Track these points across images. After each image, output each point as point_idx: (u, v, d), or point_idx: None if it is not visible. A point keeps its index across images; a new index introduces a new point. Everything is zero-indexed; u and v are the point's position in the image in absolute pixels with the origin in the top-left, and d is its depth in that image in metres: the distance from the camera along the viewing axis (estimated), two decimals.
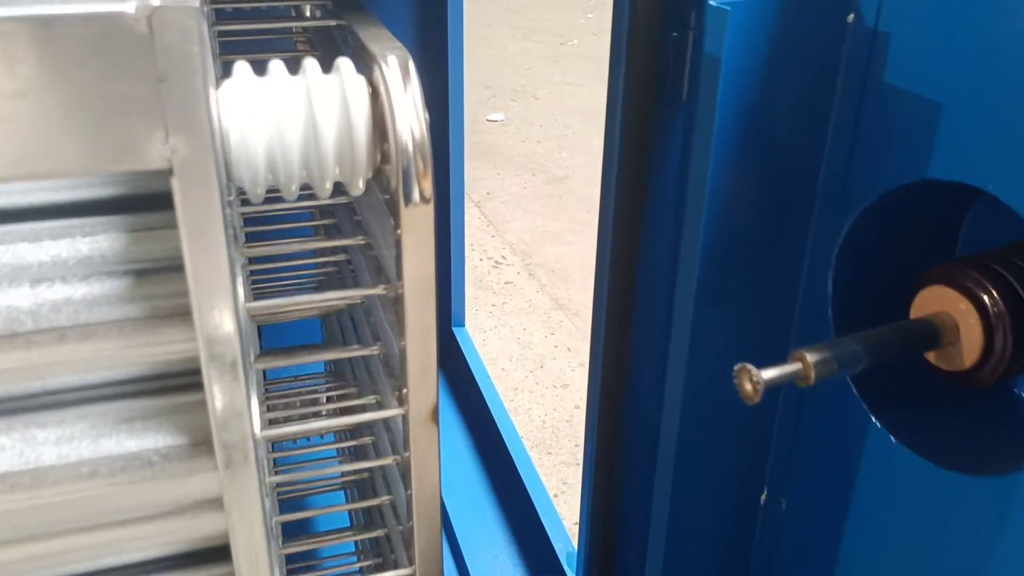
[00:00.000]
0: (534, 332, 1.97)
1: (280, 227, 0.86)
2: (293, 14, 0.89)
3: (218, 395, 0.48)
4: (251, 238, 0.91)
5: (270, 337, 1.36)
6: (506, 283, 2.19)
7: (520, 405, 1.73)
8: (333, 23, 0.64)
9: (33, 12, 0.36)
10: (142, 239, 0.54)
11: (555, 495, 1.55)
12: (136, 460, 0.49)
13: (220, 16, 0.81)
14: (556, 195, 2.67)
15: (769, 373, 0.49)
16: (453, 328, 1.61)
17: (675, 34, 0.66)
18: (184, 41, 0.37)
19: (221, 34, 0.82)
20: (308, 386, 0.99)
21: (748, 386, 0.49)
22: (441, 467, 0.60)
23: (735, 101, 0.53)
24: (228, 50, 0.81)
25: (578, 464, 1.58)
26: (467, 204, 2.48)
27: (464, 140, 1.56)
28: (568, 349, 1.90)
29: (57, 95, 0.37)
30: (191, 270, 0.43)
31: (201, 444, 0.50)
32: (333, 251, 0.80)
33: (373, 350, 0.61)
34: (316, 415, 0.85)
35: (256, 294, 1.02)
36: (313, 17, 0.85)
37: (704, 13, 0.61)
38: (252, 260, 0.98)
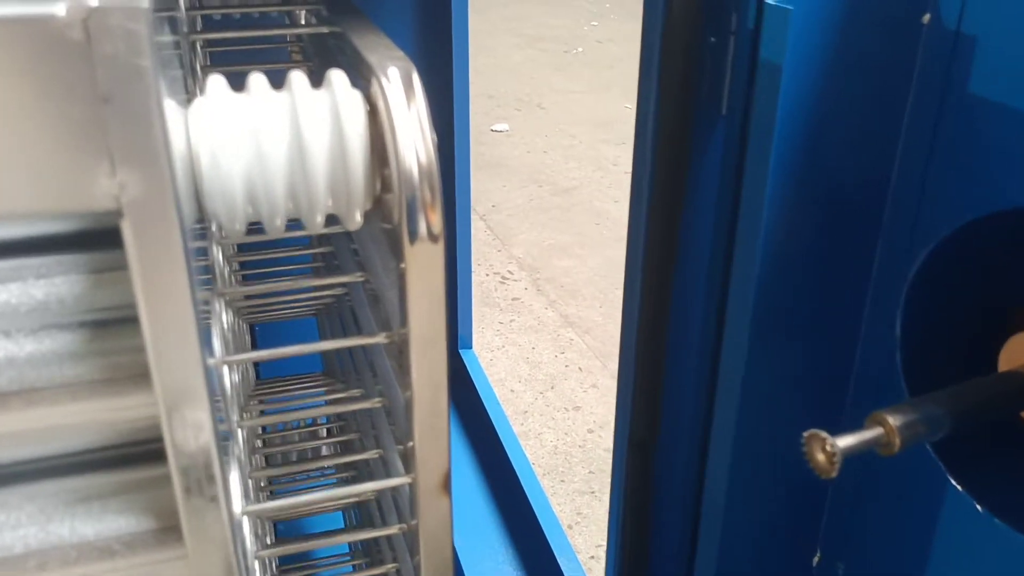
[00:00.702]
0: (543, 351, 1.89)
1: (275, 254, 0.78)
2: (287, 21, 0.82)
3: (185, 472, 0.40)
4: (250, 264, 0.84)
5: (265, 337, 1.28)
6: (513, 299, 2.11)
7: (530, 429, 1.65)
8: (327, 30, 0.56)
9: None
10: (106, 281, 0.46)
11: (569, 526, 1.47)
12: (93, 549, 0.41)
13: (207, 24, 0.74)
14: (563, 207, 2.59)
15: (846, 441, 0.41)
16: (460, 350, 1.54)
17: (713, 39, 0.58)
18: (131, 51, 0.30)
19: (208, 43, 0.75)
20: (309, 422, 0.91)
21: (821, 456, 0.41)
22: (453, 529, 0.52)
23: (796, 115, 0.45)
24: (217, 61, 0.74)
25: (593, 493, 1.50)
26: (472, 217, 2.40)
27: (470, 152, 1.49)
28: (579, 369, 1.82)
29: None
30: (148, 328, 0.35)
31: (170, 528, 0.42)
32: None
33: (375, 403, 0.54)
34: (320, 470, 0.77)
35: (252, 321, 0.94)
36: (307, 24, 0.78)
37: (758, 13, 0.53)
38: (245, 277, 0.90)
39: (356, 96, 0.43)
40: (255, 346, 1.18)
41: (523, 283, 2.18)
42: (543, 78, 3.80)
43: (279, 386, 0.87)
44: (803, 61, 0.44)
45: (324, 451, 0.84)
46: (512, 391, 1.76)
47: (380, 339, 0.49)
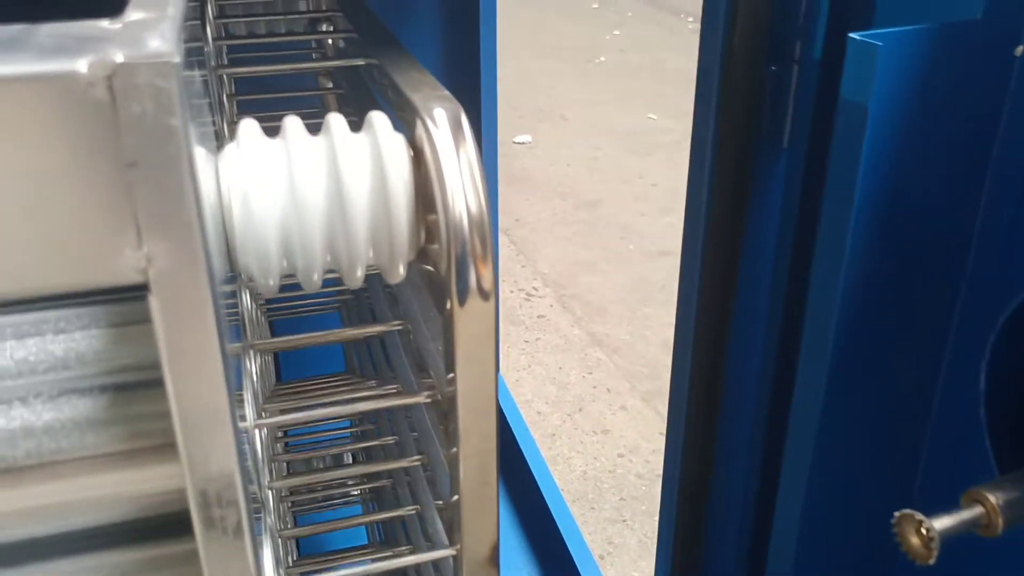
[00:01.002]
0: (571, 371, 1.85)
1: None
2: (314, 45, 0.79)
3: (214, 550, 0.37)
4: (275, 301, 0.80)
5: (287, 367, 1.25)
6: (539, 317, 2.07)
7: (559, 453, 1.61)
8: (361, 62, 0.53)
9: None
10: (129, 336, 0.43)
11: (600, 556, 1.43)
12: None
13: (233, 52, 0.71)
14: (588, 221, 2.55)
15: (943, 522, 0.37)
16: None
17: (774, 68, 0.55)
18: (160, 110, 0.26)
19: (238, 74, 0.72)
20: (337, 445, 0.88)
21: (916, 539, 0.37)
22: None
23: (881, 157, 0.41)
24: (243, 89, 0.70)
25: (624, 521, 1.46)
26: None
27: (498, 167, 1.46)
28: (608, 390, 1.78)
29: None
30: (176, 406, 0.32)
31: None
32: (361, 315, 0.69)
33: (413, 461, 0.50)
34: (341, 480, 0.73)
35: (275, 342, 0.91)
36: (336, 48, 0.75)
37: (819, 45, 0.50)
38: (272, 318, 0.87)
39: (399, 140, 0.39)
40: (279, 372, 1.15)
41: (548, 300, 2.14)
42: (565, 88, 3.76)
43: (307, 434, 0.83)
44: (888, 100, 0.40)
45: (352, 488, 0.81)
46: (539, 413, 1.72)
47: (421, 398, 0.45)
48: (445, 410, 0.43)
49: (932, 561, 0.36)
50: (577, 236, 2.45)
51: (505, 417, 1.46)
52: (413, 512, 0.55)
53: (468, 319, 0.39)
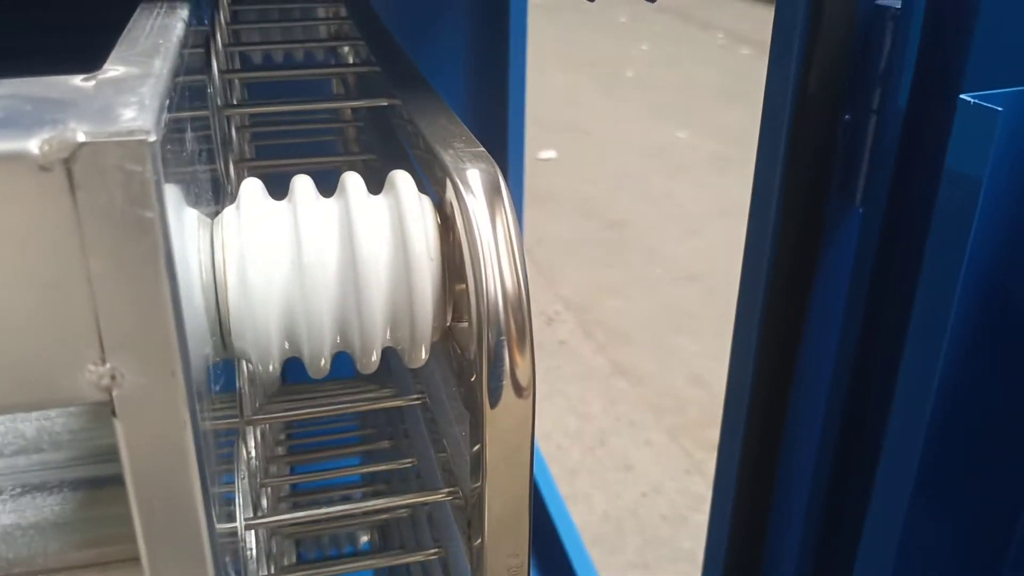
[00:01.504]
0: (593, 402, 1.79)
1: None
2: (333, 67, 0.73)
3: None
4: None
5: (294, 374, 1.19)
6: (560, 343, 2.01)
7: (579, 491, 1.55)
8: (385, 102, 0.47)
9: None
10: (107, 413, 0.38)
11: None
12: None
13: (244, 81, 0.65)
14: (614, 242, 2.49)
15: None
16: None
17: (848, 117, 0.49)
18: (131, 201, 0.21)
19: (241, 112, 0.66)
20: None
21: None
22: None
23: (991, 240, 0.35)
24: (256, 122, 0.65)
25: (646, 566, 1.39)
26: None
27: (524, 192, 1.41)
28: (631, 423, 1.71)
29: None
30: (144, 544, 0.26)
31: None
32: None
33: (430, 555, 0.44)
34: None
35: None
36: (359, 78, 0.69)
37: (904, 94, 0.44)
38: None
39: (427, 206, 0.34)
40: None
41: (570, 325, 2.08)
42: (592, 103, 3.71)
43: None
44: (1005, 172, 0.34)
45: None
46: (559, 447, 1.66)
47: (440, 496, 0.40)
48: (469, 515, 0.37)
49: None
50: (602, 258, 2.39)
51: None
52: None
53: (501, 419, 0.33)
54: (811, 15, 0.45)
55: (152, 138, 0.21)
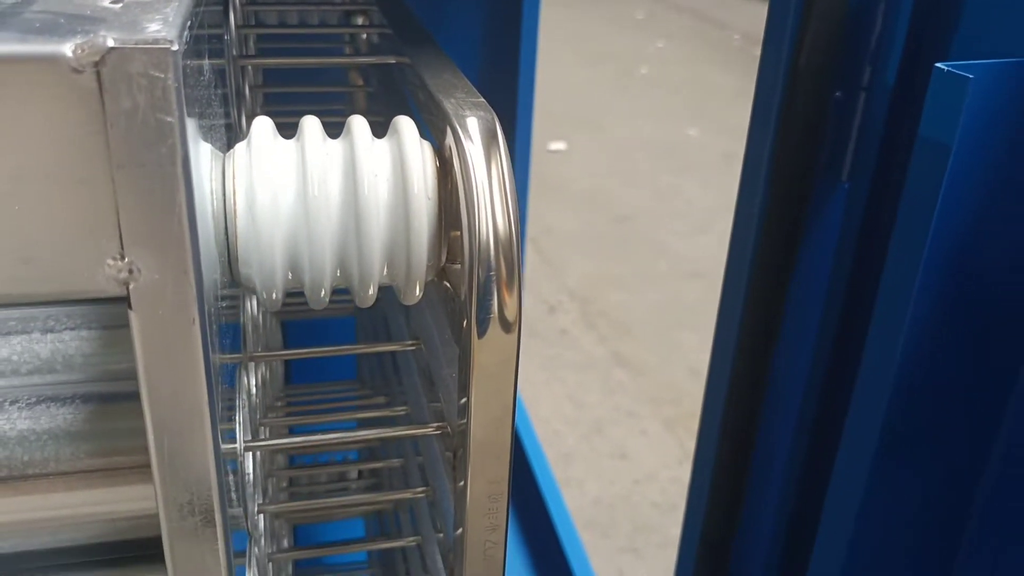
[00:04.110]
0: (591, 390, 1.81)
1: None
2: (347, 39, 0.75)
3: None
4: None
5: (299, 373, 1.22)
6: (561, 331, 2.03)
7: (572, 476, 1.57)
8: (393, 60, 0.49)
9: None
10: (118, 338, 0.40)
11: None
12: None
13: (261, 41, 0.68)
14: (620, 235, 2.51)
15: None
16: None
17: (839, 94, 0.51)
18: (154, 104, 0.23)
19: (266, 64, 0.68)
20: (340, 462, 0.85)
21: None
22: None
23: (961, 203, 0.37)
24: (271, 79, 0.67)
25: (636, 551, 1.41)
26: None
27: (529, 180, 1.43)
28: (629, 413, 1.73)
29: None
30: (151, 425, 0.28)
31: None
32: (375, 322, 0.65)
33: (417, 493, 0.46)
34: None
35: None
36: (370, 43, 0.71)
37: (893, 72, 0.45)
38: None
39: (427, 149, 0.36)
40: (289, 373, 1.12)
41: (573, 315, 2.10)
42: (605, 98, 3.72)
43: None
44: (974, 140, 0.36)
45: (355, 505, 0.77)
46: (556, 432, 1.68)
47: (429, 430, 0.42)
48: (454, 446, 0.39)
49: None
50: (607, 250, 2.41)
51: (518, 434, 1.43)
52: (414, 544, 0.51)
53: (487, 351, 0.35)
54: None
55: (175, 47, 0.23)
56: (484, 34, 1.32)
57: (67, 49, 0.23)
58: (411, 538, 0.51)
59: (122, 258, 0.25)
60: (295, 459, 0.80)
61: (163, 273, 0.25)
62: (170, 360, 0.27)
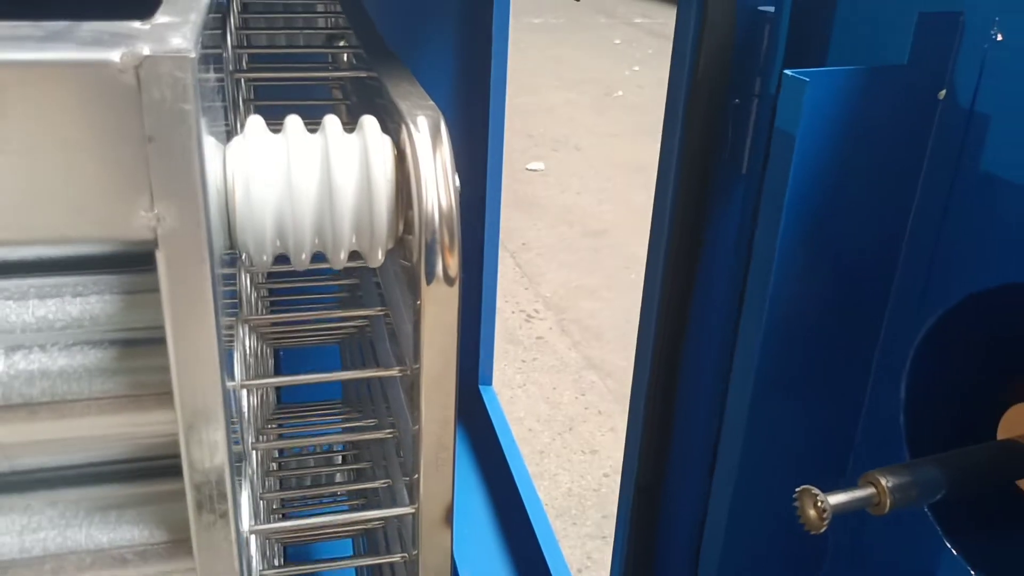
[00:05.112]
0: (564, 392, 1.90)
1: (307, 283, 0.81)
2: (330, 59, 0.85)
3: (199, 488, 0.42)
4: (279, 292, 0.87)
5: (288, 362, 1.30)
6: (537, 338, 2.12)
7: (546, 470, 1.65)
8: (364, 75, 0.59)
9: (5, 58, 0.31)
10: (138, 303, 0.49)
11: (578, 570, 1.47)
12: (107, 557, 0.43)
13: (253, 61, 0.77)
14: (594, 249, 2.61)
15: (837, 498, 0.42)
16: (480, 386, 1.56)
17: (737, 101, 0.60)
18: (177, 96, 0.32)
19: (254, 80, 0.78)
20: (326, 449, 0.93)
21: (812, 512, 0.42)
22: (456, 563, 0.54)
23: (808, 183, 0.47)
24: (261, 95, 0.77)
25: (604, 538, 1.50)
26: (502, 254, 2.43)
27: (501, 193, 1.52)
28: (599, 412, 1.83)
29: (28, 154, 0.32)
30: (174, 351, 0.38)
31: (181, 541, 0.44)
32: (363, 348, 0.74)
33: (385, 434, 0.55)
34: (332, 497, 0.79)
35: (277, 346, 0.97)
36: (349, 64, 0.81)
37: (776, 81, 0.55)
38: (274, 309, 0.93)
39: (386, 142, 0.45)
40: (279, 371, 1.20)
41: (548, 322, 2.19)
42: (582, 120, 3.84)
43: (298, 412, 0.89)
44: (816, 131, 0.45)
45: (338, 478, 0.86)
46: (530, 430, 1.77)
47: (394, 372, 0.51)
48: (411, 382, 0.48)
49: (823, 530, 0.41)
50: (581, 263, 2.51)
51: (495, 432, 1.51)
52: (385, 485, 0.60)
53: (434, 300, 0.44)
54: (701, 21, 0.57)
55: (192, 55, 0.32)
56: (457, 63, 1.41)
57: (115, 56, 0.32)
58: (383, 480, 0.60)
59: (152, 210, 0.34)
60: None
61: (182, 222, 0.34)
62: (187, 288, 0.36)
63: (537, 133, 3.52)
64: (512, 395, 1.87)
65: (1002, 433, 0.48)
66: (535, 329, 2.16)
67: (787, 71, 0.45)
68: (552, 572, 1.31)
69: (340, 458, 0.82)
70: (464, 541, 1.36)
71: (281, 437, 0.72)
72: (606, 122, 3.81)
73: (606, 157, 3.37)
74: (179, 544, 0.44)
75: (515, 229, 2.64)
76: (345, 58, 0.81)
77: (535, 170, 3.23)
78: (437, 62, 1.40)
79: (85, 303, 0.50)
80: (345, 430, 0.73)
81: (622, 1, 6.28)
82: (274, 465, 0.84)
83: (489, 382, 1.54)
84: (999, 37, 0.44)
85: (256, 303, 0.75)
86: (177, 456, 0.44)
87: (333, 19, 0.79)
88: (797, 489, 0.42)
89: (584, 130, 3.69)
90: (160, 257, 0.35)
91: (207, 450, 0.42)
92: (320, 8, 0.79)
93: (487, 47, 1.38)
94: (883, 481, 0.43)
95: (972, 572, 0.50)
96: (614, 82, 4.40)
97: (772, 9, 0.57)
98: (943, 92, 0.48)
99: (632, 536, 0.69)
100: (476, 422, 1.54)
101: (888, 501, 0.42)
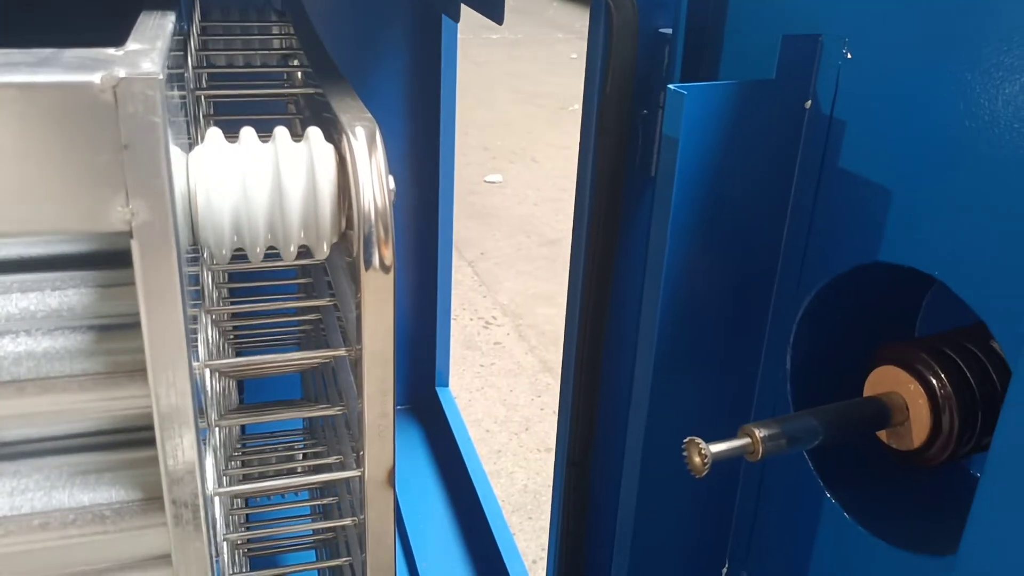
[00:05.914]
0: (521, 394, 1.97)
1: (266, 284, 0.87)
2: (285, 77, 0.92)
3: (170, 452, 0.48)
4: (239, 292, 0.93)
5: (252, 391, 1.37)
6: (495, 344, 2.19)
7: (503, 468, 1.72)
8: (312, 91, 0.66)
9: (3, 80, 0.38)
10: (110, 295, 0.55)
11: (533, 561, 1.53)
12: (88, 514, 0.49)
13: (213, 79, 0.84)
14: (550, 257, 2.69)
15: (717, 447, 0.50)
16: (437, 388, 1.61)
17: (645, 111, 0.68)
18: (147, 111, 0.39)
19: (213, 96, 0.84)
20: (287, 442, 1.00)
21: (696, 459, 0.49)
22: (409, 530, 0.60)
23: (692, 182, 0.54)
24: (221, 110, 0.83)
25: None
26: (460, 263, 2.51)
27: (454, 201, 1.58)
28: (554, 412, 1.90)
29: (23, 159, 0.39)
30: (147, 329, 0.44)
31: (153, 500, 0.50)
32: (309, 309, 0.81)
33: (335, 410, 0.62)
34: (290, 471, 0.85)
35: (239, 348, 1.03)
36: (302, 82, 0.88)
37: (666, 96, 0.63)
38: (236, 315, 0.99)
39: (329, 149, 0.52)
40: (243, 397, 1.26)
41: (506, 328, 2.27)
42: (539, 133, 3.93)
43: (259, 408, 0.95)
44: (698, 136, 0.53)
45: (299, 470, 0.92)
46: (488, 431, 1.83)
47: (341, 352, 0.57)
48: (355, 360, 0.55)
49: (705, 473, 0.49)
50: (538, 271, 2.59)
51: (452, 432, 1.57)
52: (339, 460, 0.67)
53: (372, 286, 0.51)
54: (608, 42, 0.64)
55: (160, 76, 0.39)
56: (407, 78, 1.47)
57: (96, 78, 0.38)
58: (336, 456, 0.67)
59: (127, 205, 0.40)
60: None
61: (153, 216, 0.41)
62: (158, 274, 0.42)
63: (495, 146, 3.61)
64: (470, 398, 1.93)
65: (867, 393, 0.56)
66: (493, 335, 2.23)
67: (670, 86, 0.53)
68: (507, 564, 1.36)
69: (301, 455, 0.89)
70: (422, 537, 1.41)
71: (243, 429, 0.78)
72: (562, 135, 3.90)
73: (562, 169, 3.46)
74: (152, 502, 0.50)
75: (473, 239, 2.71)
76: (299, 76, 0.88)
77: (493, 182, 3.31)
78: (388, 78, 1.46)
79: (63, 296, 0.56)
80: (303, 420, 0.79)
81: (579, 16, 6.41)
82: (237, 457, 0.91)
83: (446, 384, 1.60)
84: (849, 55, 0.53)
85: (218, 301, 0.81)
86: (149, 427, 0.50)
87: (287, 40, 0.86)
88: (684, 440, 0.50)
89: (541, 143, 3.78)
90: (135, 246, 0.41)
91: (176, 421, 0.48)
92: (275, 31, 0.86)
93: (437, 61, 1.44)
94: (757, 432, 0.50)
95: (846, 515, 0.58)
96: (570, 96, 4.51)
97: (670, 31, 0.64)
98: (809, 102, 0.56)
99: (565, 507, 0.76)
100: (434, 423, 1.60)
101: (761, 449, 0.50)
